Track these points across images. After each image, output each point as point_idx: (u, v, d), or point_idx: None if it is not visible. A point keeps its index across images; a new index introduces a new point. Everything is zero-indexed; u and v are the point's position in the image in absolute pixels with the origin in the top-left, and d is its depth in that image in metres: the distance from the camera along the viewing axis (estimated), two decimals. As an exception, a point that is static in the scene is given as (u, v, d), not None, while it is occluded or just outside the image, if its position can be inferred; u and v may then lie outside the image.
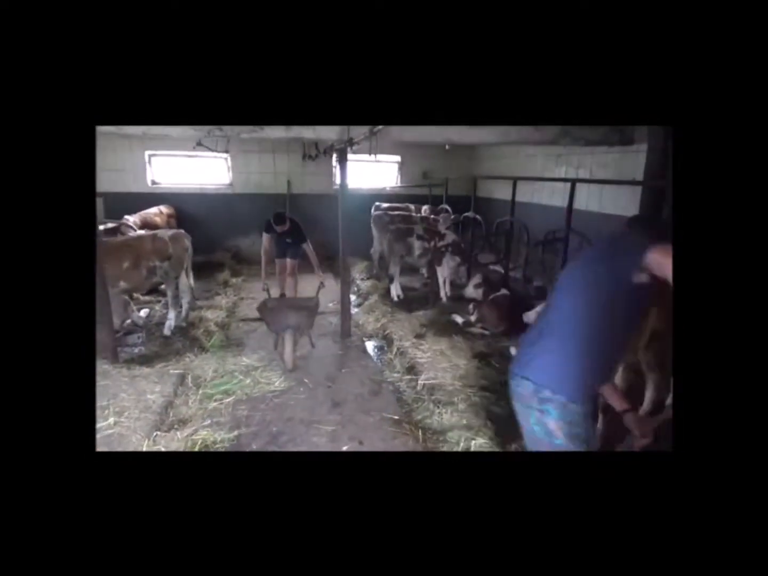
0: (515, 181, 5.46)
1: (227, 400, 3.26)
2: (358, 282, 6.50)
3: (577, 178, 4.94)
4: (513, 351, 3.81)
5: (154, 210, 6.64)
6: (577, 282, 1.58)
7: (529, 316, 3.81)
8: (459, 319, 4.64)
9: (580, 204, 5.70)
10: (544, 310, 1.70)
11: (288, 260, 5.12)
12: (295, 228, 4.85)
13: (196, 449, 2.69)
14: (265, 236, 4.95)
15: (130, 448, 2.55)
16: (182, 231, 4.85)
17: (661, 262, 1.30)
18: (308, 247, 4.82)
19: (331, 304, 5.33)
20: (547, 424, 1.48)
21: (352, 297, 5.82)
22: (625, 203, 5.53)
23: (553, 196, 6.51)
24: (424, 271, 6.40)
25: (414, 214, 6.71)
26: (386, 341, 4.46)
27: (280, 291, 5.25)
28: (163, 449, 2.64)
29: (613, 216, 5.69)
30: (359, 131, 3.70)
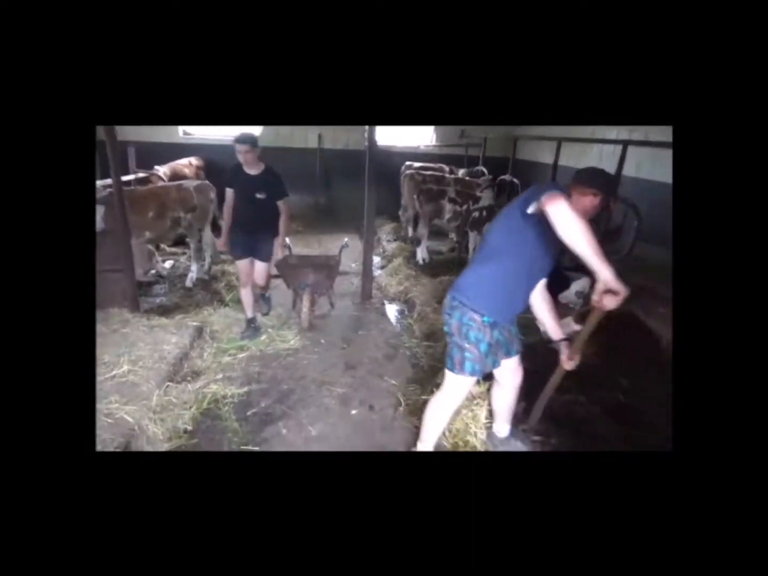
0: (559, 142, 5.04)
1: (241, 355, 3.23)
2: (384, 243, 6.31)
3: (630, 140, 4.47)
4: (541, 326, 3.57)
5: (184, 161, 6.60)
6: (499, 218, 1.90)
7: (567, 296, 3.50)
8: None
9: (630, 170, 5.23)
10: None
11: (257, 262, 3.41)
12: (271, 176, 3.28)
13: (206, 402, 2.69)
14: (228, 192, 3.32)
15: (141, 398, 2.56)
16: (207, 182, 4.77)
17: (547, 201, 1.50)
18: (285, 206, 3.34)
19: (353, 265, 5.20)
20: (451, 324, 1.90)
21: (377, 258, 5.66)
22: (681, 170, 5.03)
23: (602, 160, 6.01)
24: (453, 235, 6.14)
25: (447, 175, 6.37)
26: (408, 305, 4.32)
27: (248, 315, 3.53)
28: (174, 400, 2.64)
29: (667, 185, 5.21)
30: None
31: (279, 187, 3.30)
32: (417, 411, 2.65)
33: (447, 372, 2.00)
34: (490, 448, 2.39)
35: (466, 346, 1.88)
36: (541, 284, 2.00)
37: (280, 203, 3.32)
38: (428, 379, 2.99)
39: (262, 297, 3.86)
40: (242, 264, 3.41)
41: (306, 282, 3.68)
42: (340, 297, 4.32)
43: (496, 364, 2.00)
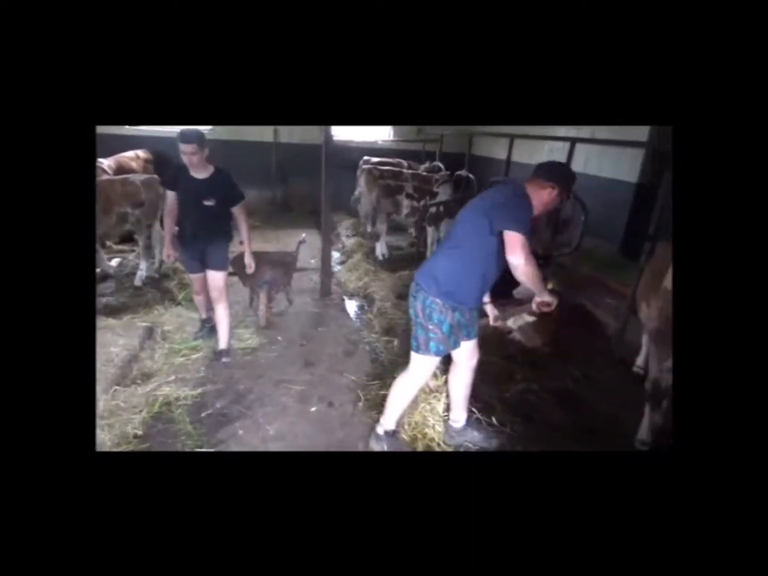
0: (512, 138, 5.16)
1: (195, 356, 3.12)
2: (343, 239, 6.28)
3: (577, 137, 4.65)
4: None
5: (130, 154, 6.24)
6: (465, 215, 2.06)
7: (521, 291, 3.64)
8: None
9: (578, 166, 5.44)
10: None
11: (209, 272, 2.93)
12: (221, 180, 2.82)
13: (157, 406, 2.58)
14: (170, 195, 2.89)
15: (85, 402, 2.42)
16: (156, 176, 4.56)
17: (508, 245, 1.79)
18: (241, 211, 2.94)
19: (312, 261, 5.13)
20: (416, 306, 2.05)
21: (336, 254, 5.63)
22: (626, 167, 5.29)
23: (552, 157, 6.19)
24: (412, 230, 6.19)
25: (405, 170, 6.40)
26: (367, 301, 4.32)
27: (202, 315, 3.34)
28: (122, 404, 2.52)
29: (612, 180, 5.46)
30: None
31: (231, 192, 2.86)
32: (377, 406, 2.66)
33: (412, 353, 2.13)
34: (447, 440, 2.43)
35: (430, 327, 2.01)
36: None
37: (235, 209, 2.91)
38: (388, 373, 3.01)
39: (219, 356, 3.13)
40: (195, 278, 3.08)
41: (263, 279, 3.59)
42: (298, 293, 4.26)
43: (457, 344, 2.12)
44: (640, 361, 3.22)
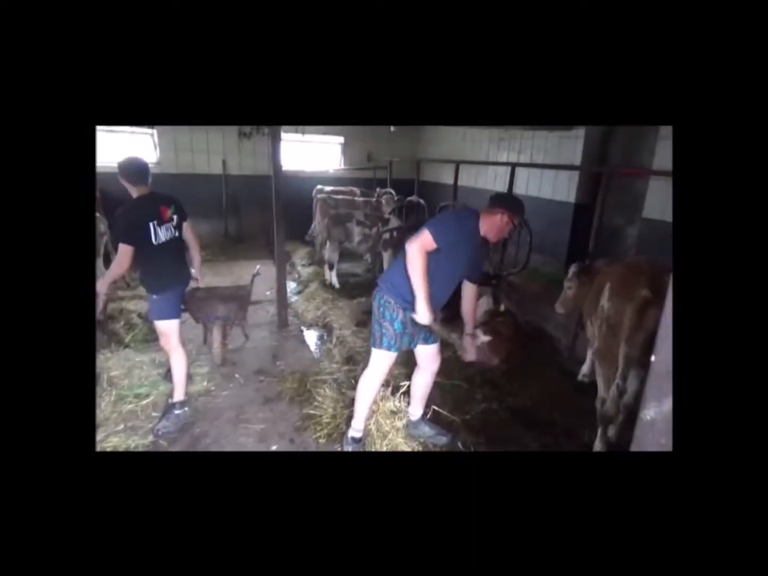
0: (458, 164, 5.39)
1: (144, 402, 2.96)
2: (299, 268, 6.23)
3: (518, 162, 4.92)
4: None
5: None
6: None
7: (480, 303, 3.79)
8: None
9: (520, 188, 5.73)
10: None
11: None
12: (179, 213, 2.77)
13: (105, 459, 2.41)
14: (128, 250, 2.51)
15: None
16: (96, 213, 4.38)
17: (409, 240, 2.15)
18: (189, 232, 2.92)
19: (268, 293, 5.05)
20: (374, 305, 2.36)
21: (293, 284, 5.57)
22: (565, 188, 5.62)
23: (497, 181, 6.52)
24: (368, 256, 6.24)
25: (357, 198, 6.48)
26: (326, 330, 4.28)
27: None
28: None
29: (551, 201, 5.78)
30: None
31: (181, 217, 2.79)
32: (339, 437, 2.62)
33: (372, 349, 2.40)
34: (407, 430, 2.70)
35: (383, 323, 2.31)
36: (470, 289, 2.51)
37: (184, 227, 2.86)
38: (350, 404, 2.97)
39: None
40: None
41: (215, 315, 3.49)
42: (256, 327, 4.16)
43: (412, 344, 2.43)
44: (585, 368, 3.36)
